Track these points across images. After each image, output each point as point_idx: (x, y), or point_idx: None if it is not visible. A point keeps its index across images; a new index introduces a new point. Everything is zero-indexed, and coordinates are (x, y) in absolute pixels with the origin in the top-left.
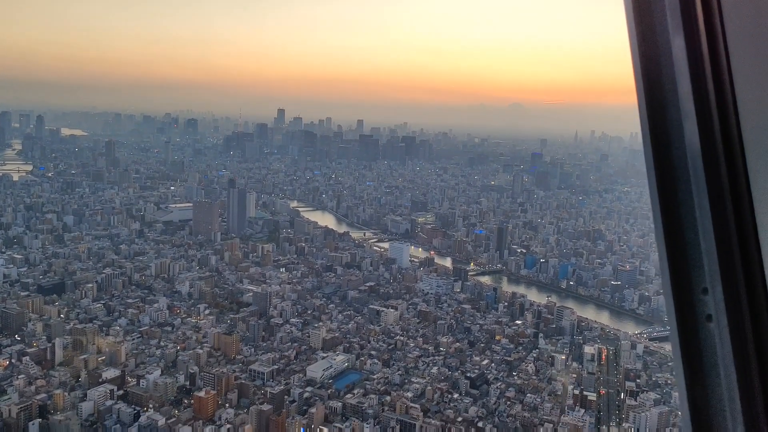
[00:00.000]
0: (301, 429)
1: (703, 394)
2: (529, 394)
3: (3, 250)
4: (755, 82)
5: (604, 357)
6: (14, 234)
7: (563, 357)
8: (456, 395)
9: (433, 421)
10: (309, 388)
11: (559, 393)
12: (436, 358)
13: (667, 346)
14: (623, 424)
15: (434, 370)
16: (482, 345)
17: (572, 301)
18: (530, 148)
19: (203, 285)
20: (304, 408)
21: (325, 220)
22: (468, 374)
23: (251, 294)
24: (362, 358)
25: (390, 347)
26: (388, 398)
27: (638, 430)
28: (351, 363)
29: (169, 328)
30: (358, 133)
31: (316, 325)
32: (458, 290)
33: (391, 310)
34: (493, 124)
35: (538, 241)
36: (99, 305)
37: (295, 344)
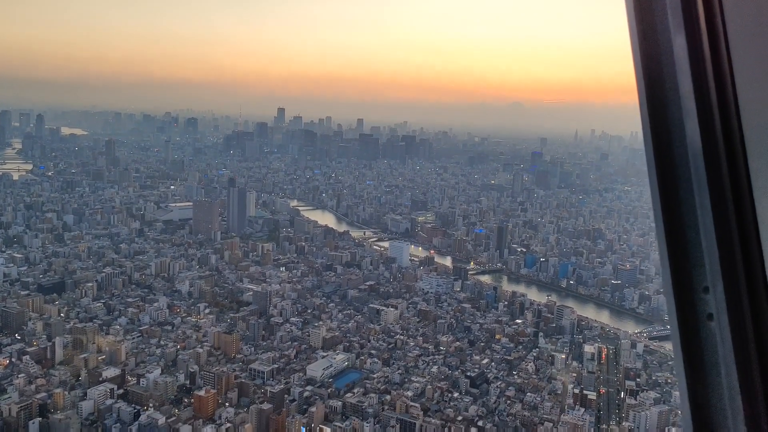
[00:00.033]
0: (301, 428)
1: (704, 393)
2: (529, 393)
3: (3, 249)
4: (757, 80)
5: (604, 356)
6: (14, 233)
7: (563, 356)
8: (456, 394)
9: (433, 420)
10: (309, 387)
11: (559, 392)
12: (436, 357)
13: (667, 345)
14: (623, 423)
15: (434, 369)
16: (482, 344)
17: (572, 300)
18: (530, 147)
19: (203, 284)
20: (304, 407)
21: (325, 219)
22: (468, 373)
23: (251, 293)
24: (362, 357)
25: (390, 346)
26: (388, 397)
27: (638, 429)
28: (351, 362)
29: (169, 327)
30: (358, 132)
31: (316, 324)
32: (458, 289)
33: (391, 309)
34: (494, 123)
35: (538, 240)
36: (99, 304)
37: (295, 343)
